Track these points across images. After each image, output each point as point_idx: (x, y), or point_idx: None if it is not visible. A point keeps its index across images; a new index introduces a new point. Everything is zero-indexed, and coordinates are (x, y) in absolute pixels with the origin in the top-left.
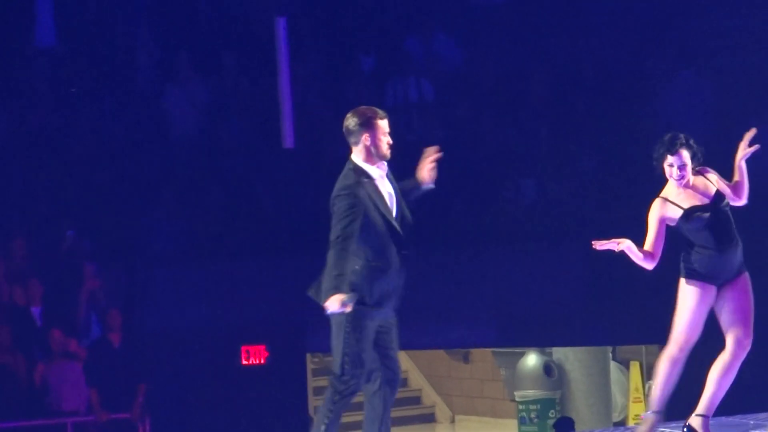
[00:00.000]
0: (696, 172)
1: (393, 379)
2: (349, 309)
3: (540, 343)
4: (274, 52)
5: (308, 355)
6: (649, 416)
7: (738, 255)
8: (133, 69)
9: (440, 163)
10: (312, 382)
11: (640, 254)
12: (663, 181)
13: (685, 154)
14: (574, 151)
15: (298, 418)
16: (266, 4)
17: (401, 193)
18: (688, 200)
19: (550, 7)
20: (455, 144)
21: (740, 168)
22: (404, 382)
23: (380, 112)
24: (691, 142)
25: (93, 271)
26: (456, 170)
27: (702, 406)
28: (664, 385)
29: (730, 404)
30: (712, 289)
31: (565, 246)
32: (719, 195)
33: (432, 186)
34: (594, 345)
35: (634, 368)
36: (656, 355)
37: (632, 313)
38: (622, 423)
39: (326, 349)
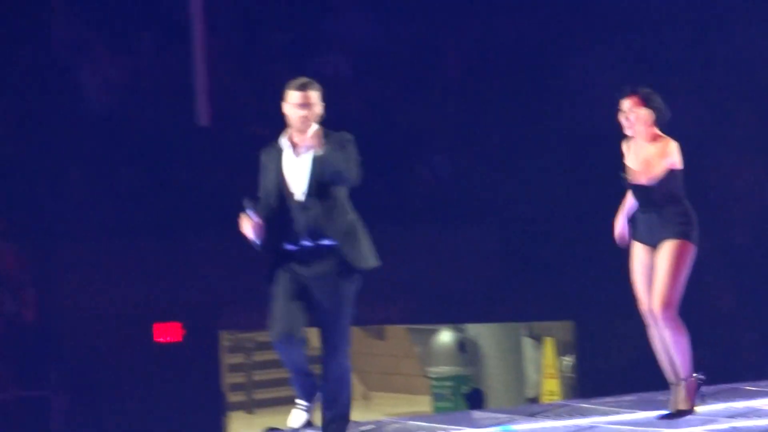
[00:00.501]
0: (663, 139)
1: None
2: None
3: (454, 319)
4: (189, 29)
5: (222, 333)
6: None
7: (659, 221)
8: (46, 46)
9: (359, 139)
10: (226, 359)
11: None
12: (575, 157)
13: (632, 101)
14: (487, 128)
15: (212, 396)
16: None
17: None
18: (630, 156)
19: None
20: (370, 121)
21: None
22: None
23: (293, 82)
24: (649, 95)
25: (5, 249)
26: (370, 147)
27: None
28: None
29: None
30: (647, 250)
31: (479, 223)
32: (647, 167)
33: (319, 152)
34: (507, 321)
35: (548, 344)
36: (569, 331)
37: (545, 290)
38: (535, 399)
39: (240, 327)
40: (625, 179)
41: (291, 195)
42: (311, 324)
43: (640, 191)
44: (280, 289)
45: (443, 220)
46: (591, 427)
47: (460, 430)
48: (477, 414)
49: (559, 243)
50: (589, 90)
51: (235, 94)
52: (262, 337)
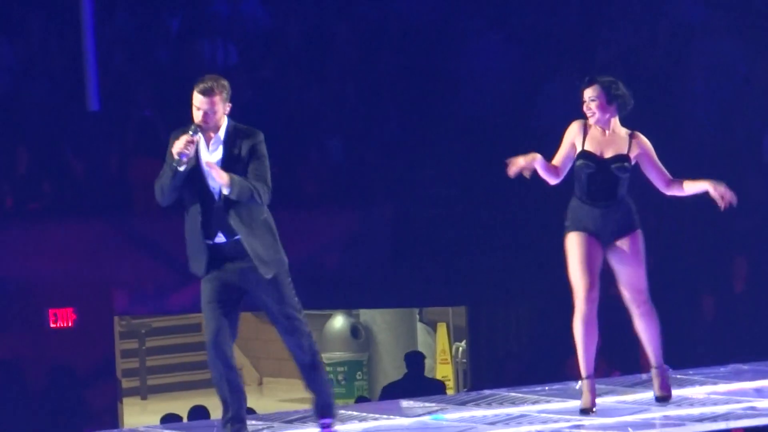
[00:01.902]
0: (626, 130)
1: None
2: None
3: (347, 305)
4: (79, 12)
5: (115, 318)
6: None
7: (619, 214)
8: None
9: (248, 124)
10: (119, 345)
11: (546, 168)
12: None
13: (594, 90)
14: (381, 112)
15: (106, 381)
16: None
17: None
18: (592, 143)
19: None
20: (261, 105)
21: (695, 188)
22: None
23: (199, 83)
24: (611, 83)
25: None
26: (262, 131)
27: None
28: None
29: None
30: (593, 241)
31: (372, 207)
32: (620, 157)
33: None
34: (401, 307)
35: (441, 330)
36: (463, 317)
37: (439, 275)
38: None
39: (133, 312)
40: (584, 166)
41: (206, 188)
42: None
43: (601, 181)
44: (206, 290)
45: (336, 203)
46: (522, 416)
47: (391, 419)
48: (406, 403)
49: (452, 228)
50: (485, 74)
51: (125, 79)
52: (156, 322)
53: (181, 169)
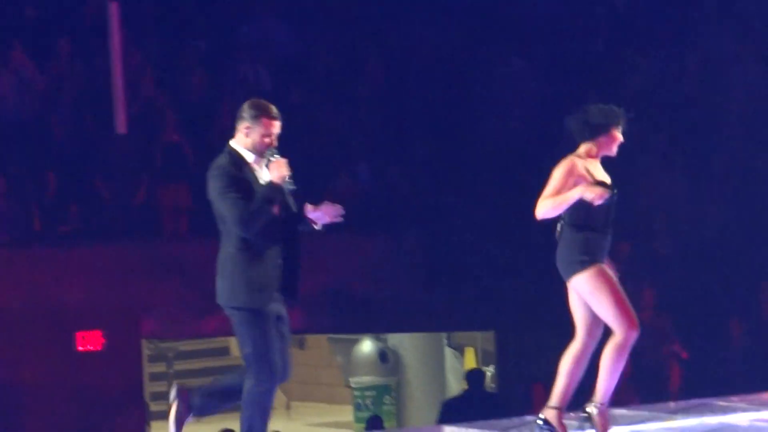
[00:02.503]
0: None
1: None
2: None
3: (375, 329)
4: (107, 37)
5: (144, 341)
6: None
7: (608, 242)
8: None
9: (277, 148)
10: (147, 368)
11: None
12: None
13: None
14: (409, 137)
15: (134, 404)
16: None
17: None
18: (597, 173)
19: None
20: (290, 130)
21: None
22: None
23: (268, 109)
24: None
25: None
26: (291, 156)
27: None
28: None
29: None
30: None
31: (400, 232)
32: (613, 182)
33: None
34: (429, 331)
35: (469, 354)
36: (490, 342)
37: (467, 300)
38: None
39: (161, 335)
40: (612, 196)
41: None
42: None
43: (609, 211)
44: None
45: (364, 228)
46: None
47: None
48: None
49: (480, 253)
50: (512, 100)
51: (153, 103)
52: (183, 346)
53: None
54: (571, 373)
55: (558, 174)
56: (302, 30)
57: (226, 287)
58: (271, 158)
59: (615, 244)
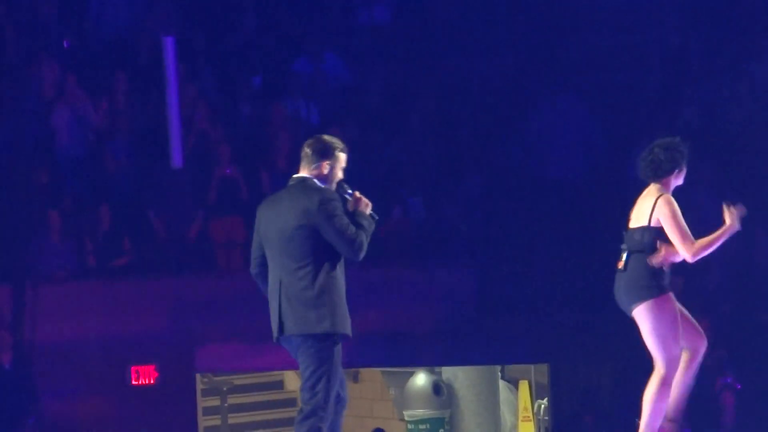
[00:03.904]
0: None
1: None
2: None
3: (429, 362)
4: (162, 72)
5: (198, 375)
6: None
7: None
8: (23, 89)
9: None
10: (201, 402)
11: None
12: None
13: None
14: (461, 169)
15: None
16: (155, 23)
17: None
18: None
19: (434, 25)
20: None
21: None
22: (294, 402)
23: (341, 145)
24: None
25: None
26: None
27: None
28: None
29: None
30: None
31: (454, 264)
32: None
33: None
34: (483, 364)
35: (523, 387)
36: (544, 374)
37: (521, 333)
38: None
39: (215, 369)
40: None
41: None
42: None
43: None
44: None
45: (418, 260)
46: None
47: None
48: None
49: (534, 285)
50: (564, 134)
51: (207, 137)
52: (237, 380)
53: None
54: (679, 385)
55: (677, 213)
56: (355, 62)
57: (325, 315)
58: (348, 190)
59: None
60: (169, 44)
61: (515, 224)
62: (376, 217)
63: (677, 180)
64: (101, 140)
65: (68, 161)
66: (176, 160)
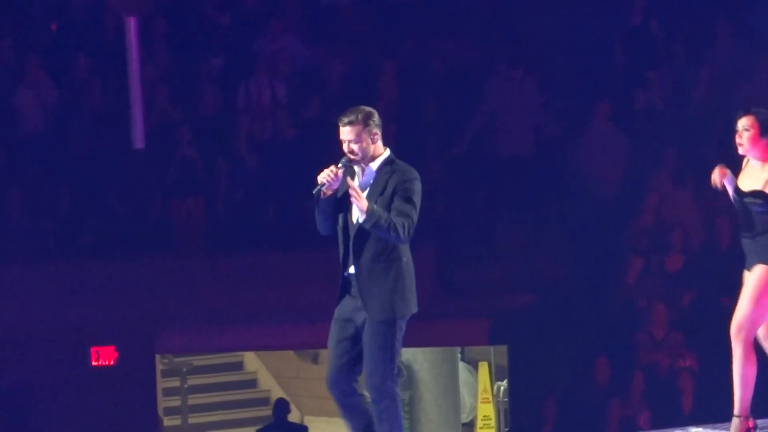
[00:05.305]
0: None
1: None
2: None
3: None
4: (124, 53)
5: (158, 356)
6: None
7: (754, 247)
8: None
9: (292, 163)
10: (161, 383)
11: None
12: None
13: (745, 121)
14: (422, 150)
15: (147, 420)
16: (116, 4)
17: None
18: (745, 176)
19: (395, 6)
20: (306, 143)
21: None
22: (254, 383)
23: (341, 118)
24: (761, 111)
25: None
26: (307, 170)
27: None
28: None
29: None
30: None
31: (414, 247)
32: (755, 193)
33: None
34: (443, 345)
35: (483, 369)
36: (504, 356)
37: (480, 314)
38: (470, 423)
39: (175, 350)
40: (736, 200)
41: (349, 217)
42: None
43: (744, 214)
44: (332, 326)
45: None
46: None
47: None
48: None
49: (493, 267)
50: (521, 113)
51: (168, 118)
52: (197, 360)
53: (322, 198)
54: (738, 374)
55: None
56: (316, 43)
57: (397, 300)
58: (341, 167)
59: (628, 260)
60: (131, 25)
61: (474, 205)
62: (315, 193)
63: None
64: (62, 121)
65: (29, 142)
66: (138, 140)
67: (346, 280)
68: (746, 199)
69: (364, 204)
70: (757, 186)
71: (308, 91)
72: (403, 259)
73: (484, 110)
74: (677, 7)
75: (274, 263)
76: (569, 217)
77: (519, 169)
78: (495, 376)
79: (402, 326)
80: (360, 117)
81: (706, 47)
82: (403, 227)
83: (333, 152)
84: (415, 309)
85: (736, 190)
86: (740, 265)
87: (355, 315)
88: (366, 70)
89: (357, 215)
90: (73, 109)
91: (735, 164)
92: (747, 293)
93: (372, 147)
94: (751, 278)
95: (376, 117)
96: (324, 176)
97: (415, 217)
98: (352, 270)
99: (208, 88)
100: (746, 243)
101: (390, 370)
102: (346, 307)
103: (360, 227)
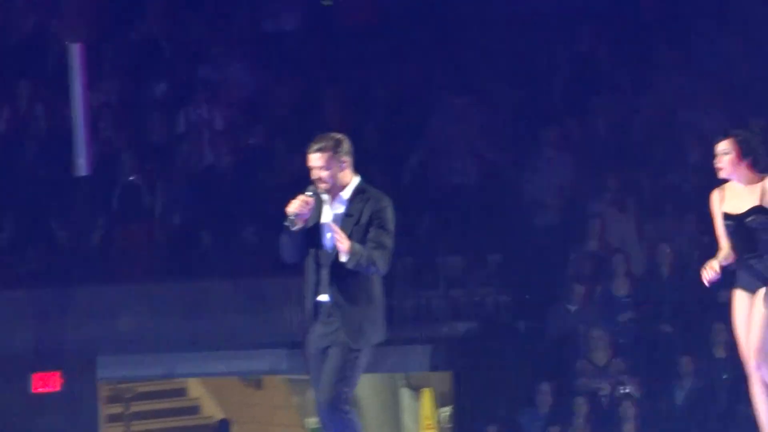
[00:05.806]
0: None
1: None
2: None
3: None
4: (68, 79)
5: (100, 383)
6: None
7: (760, 267)
8: None
9: (232, 190)
10: (104, 410)
11: (723, 259)
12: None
13: (724, 145)
14: (365, 178)
15: None
16: (61, 30)
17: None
18: (732, 199)
19: (339, 32)
20: (248, 170)
21: None
22: (196, 410)
23: (310, 145)
24: (743, 138)
25: None
26: (248, 197)
27: None
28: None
29: None
30: (748, 297)
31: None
32: (755, 209)
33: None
34: (385, 371)
35: (426, 395)
36: (447, 382)
37: (423, 341)
38: None
39: (118, 377)
40: (731, 225)
41: (322, 246)
42: None
43: (744, 235)
44: (305, 352)
45: None
46: None
47: None
48: None
49: (437, 294)
50: (463, 137)
51: (111, 145)
52: (141, 387)
53: (294, 229)
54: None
55: None
56: (259, 70)
57: (378, 327)
58: (309, 195)
59: (571, 286)
60: (75, 51)
61: (417, 233)
62: (287, 225)
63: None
64: (5, 146)
65: None
66: (82, 167)
67: (317, 307)
68: (748, 219)
69: (347, 246)
70: (754, 203)
71: (250, 118)
72: (376, 286)
73: (427, 138)
74: (621, 36)
75: (216, 289)
76: (512, 243)
77: (462, 195)
78: (438, 402)
79: (368, 353)
80: (329, 144)
81: (649, 75)
82: (382, 259)
83: (275, 179)
84: (384, 336)
85: (728, 216)
86: (682, 291)
87: (326, 341)
88: (309, 97)
89: (329, 243)
90: (16, 135)
91: (672, 190)
92: (761, 318)
93: (340, 174)
94: (764, 299)
95: (345, 144)
96: (296, 207)
97: (391, 246)
98: (325, 297)
99: (152, 114)
100: (751, 264)
101: (346, 393)
102: (317, 335)
103: (336, 256)
